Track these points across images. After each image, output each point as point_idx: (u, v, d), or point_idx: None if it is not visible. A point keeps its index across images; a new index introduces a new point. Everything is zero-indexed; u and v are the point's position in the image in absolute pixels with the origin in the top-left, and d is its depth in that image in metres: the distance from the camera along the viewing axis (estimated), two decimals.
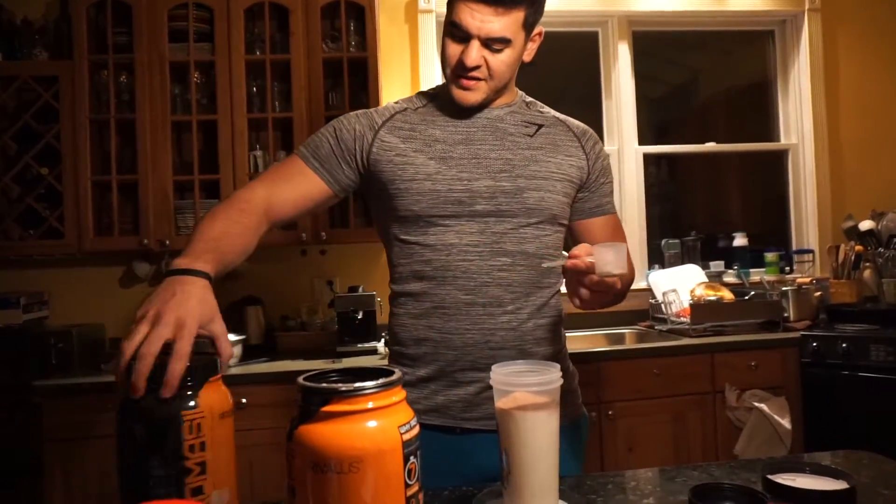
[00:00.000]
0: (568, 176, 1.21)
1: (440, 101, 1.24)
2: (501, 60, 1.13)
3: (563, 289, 1.13)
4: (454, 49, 1.13)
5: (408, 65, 2.96)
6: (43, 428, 2.19)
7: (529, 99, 1.29)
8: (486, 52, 1.12)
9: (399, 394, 0.64)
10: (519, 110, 1.24)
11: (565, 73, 3.22)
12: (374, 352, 2.51)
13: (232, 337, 2.36)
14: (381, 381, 0.62)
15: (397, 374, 0.64)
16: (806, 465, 0.89)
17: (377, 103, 2.57)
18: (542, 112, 1.27)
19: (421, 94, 1.29)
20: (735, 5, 3.17)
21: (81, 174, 2.49)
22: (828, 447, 1.19)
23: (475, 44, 1.10)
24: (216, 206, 1.08)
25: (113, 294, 2.79)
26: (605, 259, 0.92)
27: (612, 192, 1.32)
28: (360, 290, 2.64)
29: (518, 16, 1.11)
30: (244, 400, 2.22)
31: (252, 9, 2.59)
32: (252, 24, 2.63)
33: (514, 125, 1.21)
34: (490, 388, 0.80)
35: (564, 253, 1.22)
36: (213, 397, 0.70)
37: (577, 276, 0.97)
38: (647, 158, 3.22)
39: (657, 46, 3.33)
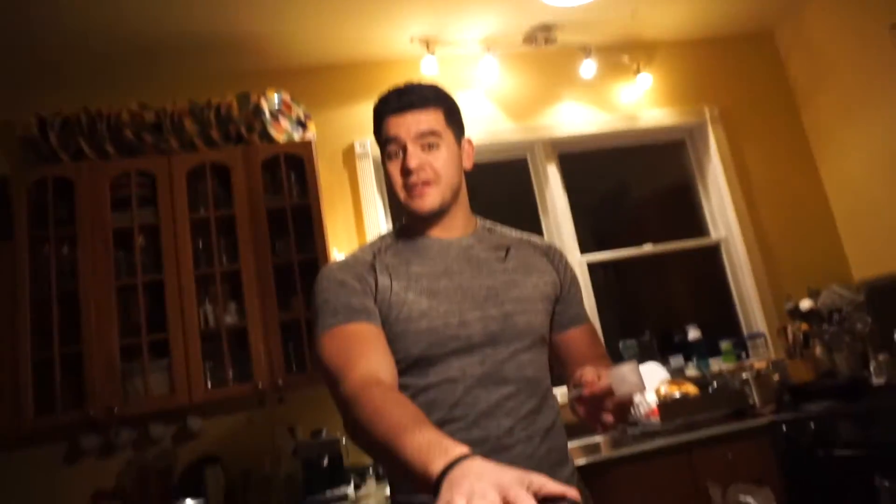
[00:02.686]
0: (545, 294, 1.24)
1: (406, 238, 1.25)
2: (441, 158, 1.18)
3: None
4: (395, 165, 1.18)
5: (350, 207, 3.07)
6: None
7: (489, 223, 1.33)
8: (423, 154, 1.17)
9: None
10: (484, 236, 1.27)
11: (503, 197, 3.40)
12: (344, 498, 2.37)
13: (190, 502, 2.21)
14: None
15: None
16: None
17: (324, 247, 2.63)
18: (504, 234, 1.31)
19: (384, 236, 1.28)
20: (646, 122, 3.47)
21: (21, 354, 2.39)
22: None
23: (410, 147, 1.16)
24: (364, 408, 0.93)
25: (56, 474, 2.59)
26: (622, 379, 0.94)
27: (582, 300, 1.34)
28: (324, 433, 2.54)
29: (437, 115, 1.19)
30: None
31: (194, 170, 2.67)
32: (195, 183, 2.71)
33: (485, 251, 1.24)
34: None
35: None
36: None
37: (596, 402, 0.98)
38: (592, 266, 3.34)
39: (583, 162, 3.57)
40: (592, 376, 0.98)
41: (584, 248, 3.34)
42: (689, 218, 3.62)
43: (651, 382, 2.83)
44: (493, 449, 1.09)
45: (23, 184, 2.52)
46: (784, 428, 2.49)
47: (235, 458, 2.64)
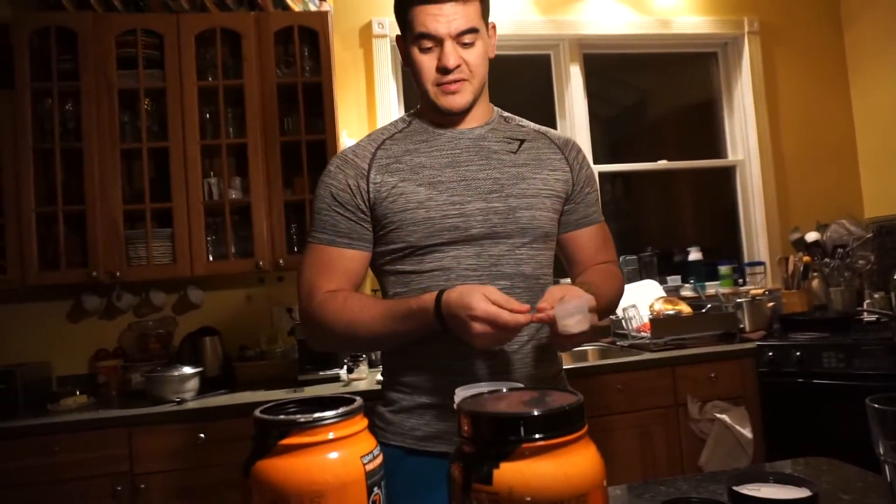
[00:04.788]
0: (555, 191, 1.20)
1: (418, 125, 1.22)
2: (477, 54, 1.14)
3: None
4: (428, 60, 1.13)
5: (363, 89, 2.96)
6: None
7: (506, 114, 1.28)
8: (461, 52, 1.12)
9: (360, 423, 0.62)
10: (499, 126, 1.23)
11: (520, 95, 3.28)
12: (336, 379, 2.46)
13: (188, 370, 2.29)
14: (341, 410, 0.59)
15: (358, 401, 0.62)
16: (769, 475, 0.90)
17: (333, 128, 2.56)
18: (521, 126, 1.26)
19: (396, 122, 1.26)
20: (679, 28, 3.29)
21: (24, 206, 2.39)
22: (788, 454, 1.21)
23: (449, 44, 1.10)
24: (324, 311, 1.14)
25: (60, 330, 2.67)
26: (565, 316, 0.93)
27: (597, 201, 1.30)
28: None
29: (475, 7, 1.13)
30: (202, 435, 2.14)
31: (203, 34, 2.55)
32: (204, 49, 2.60)
33: (497, 142, 1.20)
34: None
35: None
36: (521, 475, 0.49)
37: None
38: (602, 177, 3.28)
39: (607, 68, 3.42)
40: (546, 302, 0.97)
41: (597, 158, 3.27)
42: (707, 138, 3.53)
43: (646, 299, 2.86)
44: None
45: (24, 30, 2.41)
46: (770, 354, 2.55)
47: (233, 333, 2.71)
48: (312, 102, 2.61)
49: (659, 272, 3.18)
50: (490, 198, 1.14)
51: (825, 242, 3.07)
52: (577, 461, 0.52)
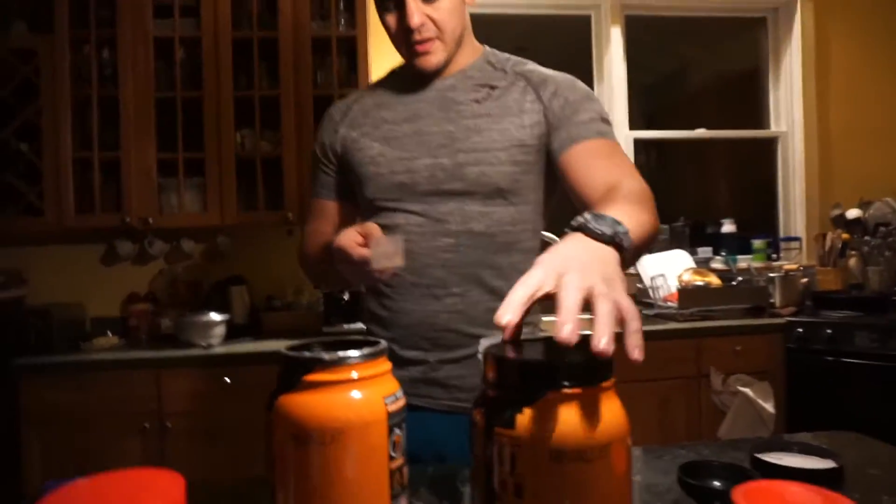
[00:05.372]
0: (516, 140, 1.08)
1: (396, 79, 1.19)
2: (444, 9, 1.06)
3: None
4: (392, 19, 1.08)
5: None
6: (21, 408, 2.15)
7: (498, 56, 1.18)
8: (424, 8, 1.06)
9: (384, 364, 0.62)
10: (475, 73, 1.14)
11: (557, 57, 3.19)
12: (360, 332, 2.49)
13: (216, 316, 2.34)
14: (365, 350, 0.60)
15: (382, 344, 0.62)
16: (793, 445, 0.89)
17: (366, 83, 2.53)
18: (505, 70, 1.15)
19: (380, 77, 1.24)
20: None
21: (62, 151, 2.44)
22: (810, 432, 1.19)
23: (409, 3, 1.04)
24: (302, 252, 1.25)
25: (94, 273, 2.74)
26: (376, 249, 0.91)
27: (595, 119, 1.07)
28: None
29: None
30: (227, 380, 2.19)
31: None
32: (239, 0, 2.58)
33: (465, 92, 1.12)
34: (433, 368, 0.77)
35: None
36: (544, 421, 0.49)
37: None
38: (637, 146, 3.21)
39: (648, 34, 3.31)
40: (349, 239, 0.95)
41: (633, 126, 3.19)
42: (747, 109, 3.41)
43: (675, 269, 2.82)
44: (422, 296, 1.10)
45: None
46: (799, 330, 2.50)
47: (260, 283, 2.76)
48: (346, 56, 2.58)
49: (690, 244, 3.12)
50: (438, 153, 1.09)
51: (867, 220, 2.98)
52: (601, 412, 0.51)
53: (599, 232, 0.66)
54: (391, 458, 0.60)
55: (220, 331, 2.35)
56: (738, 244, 3.14)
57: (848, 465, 0.87)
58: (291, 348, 0.62)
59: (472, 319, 1.09)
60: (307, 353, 0.59)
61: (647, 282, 2.80)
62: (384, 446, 0.59)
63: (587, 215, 0.68)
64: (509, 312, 0.54)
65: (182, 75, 2.55)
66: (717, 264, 3.06)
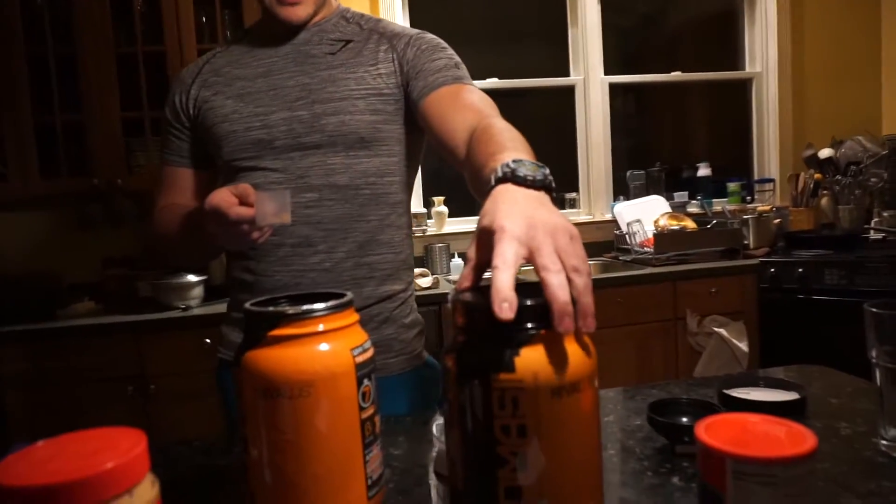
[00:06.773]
0: (373, 89, 1.07)
1: (251, 36, 1.15)
2: None
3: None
4: None
5: None
6: (1, 376, 2.14)
7: (353, 13, 1.17)
8: None
9: (351, 316, 0.62)
10: (331, 28, 1.13)
11: (525, 2, 3.12)
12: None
13: (193, 277, 2.32)
14: (331, 303, 0.59)
15: (349, 296, 0.62)
16: (760, 379, 0.92)
17: None
18: (360, 25, 1.14)
19: (237, 33, 1.19)
20: None
21: (21, 114, 2.35)
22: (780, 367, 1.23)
23: None
24: (154, 226, 1.15)
25: (68, 239, 2.69)
26: (260, 206, 0.85)
27: (449, 65, 1.07)
28: None
29: None
30: (207, 340, 2.19)
31: None
32: None
33: (319, 45, 1.11)
34: None
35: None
36: (541, 359, 0.49)
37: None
38: (614, 91, 3.18)
39: None
40: (222, 199, 0.85)
41: (608, 70, 3.16)
42: (724, 51, 3.38)
43: (651, 214, 2.84)
44: (287, 256, 1.06)
45: None
46: (772, 270, 2.55)
47: None
48: None
49: (667, 188, 3.14)
50: (295, 106, 1.06)
51: (839, 160, 3.00)
52: (586, 343, 0.52)
53: (531, 178, 0.61)
54: (361, 409, 0.60)
55: (197, 292, 2.33)
56: (713, 188, 3.16)
57: (811, 396, 0.90)
58: (256, 304, 0.61)
59: (340, 277, 1.06)
60: (271, 308, 0.59)
61: (623, 228, 2.83)
62: (353, 397, 0.59)
63: (509, 163, 0.62)
64: (507, 304, 0.50)
65: (143, 29, 2.45)
66: (693, 208, 3.09)
